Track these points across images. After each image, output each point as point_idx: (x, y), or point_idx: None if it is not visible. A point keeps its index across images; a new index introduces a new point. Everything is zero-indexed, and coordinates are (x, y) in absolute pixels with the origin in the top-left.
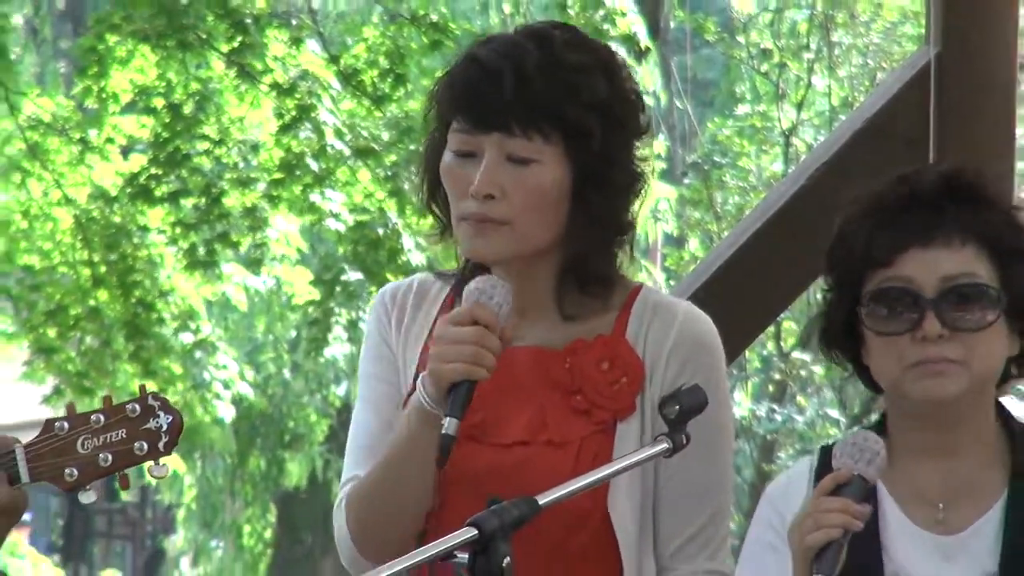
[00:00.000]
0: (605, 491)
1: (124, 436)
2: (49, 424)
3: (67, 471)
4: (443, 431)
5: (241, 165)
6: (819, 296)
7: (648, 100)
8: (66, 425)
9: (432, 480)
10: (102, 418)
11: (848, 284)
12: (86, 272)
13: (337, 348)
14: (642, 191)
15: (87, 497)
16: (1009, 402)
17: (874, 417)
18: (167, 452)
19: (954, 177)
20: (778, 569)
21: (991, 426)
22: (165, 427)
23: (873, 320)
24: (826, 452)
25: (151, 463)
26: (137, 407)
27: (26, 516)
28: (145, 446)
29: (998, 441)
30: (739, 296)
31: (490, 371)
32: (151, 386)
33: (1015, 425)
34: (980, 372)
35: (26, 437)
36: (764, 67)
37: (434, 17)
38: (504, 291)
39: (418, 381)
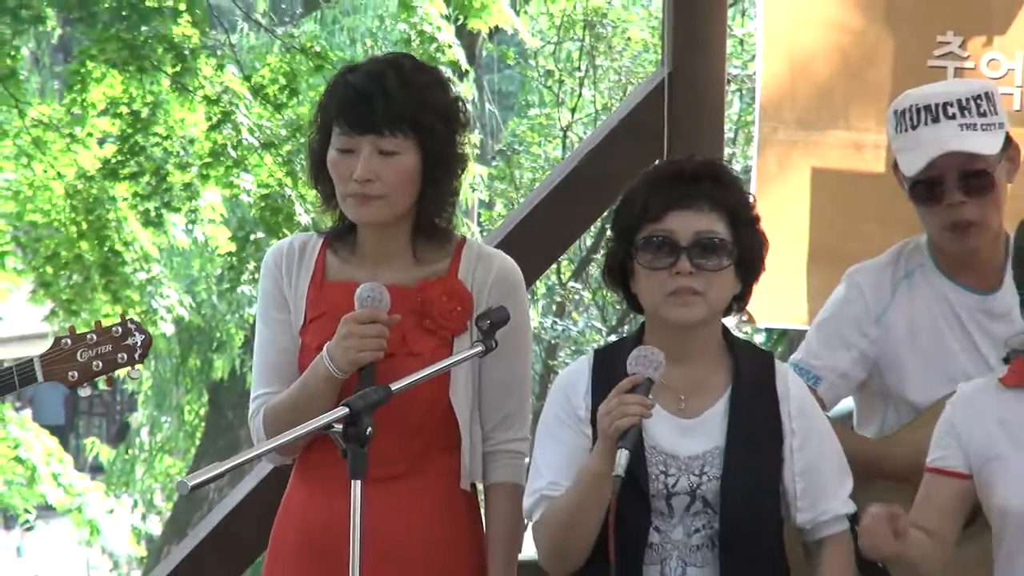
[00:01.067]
0: (447, 384)
1: (110, 349)
2: (57, 340)
3: (70, 374)
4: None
5: (182, 153)
6: (588, 243)
7: (469, 106)
8: (69, 341)
9: (331, 407)
10: (94, 336)
11: (627, 233)
12: (72, 228)
13: (248, 284)
14: (466, 169)
15: (84, 392)
16: (730, 324)
17: (631, 329)
18: (140, 361)
19: (708, 163)
20: (565, 435)
21: (718, 341)
22: (139, 343)
23: (643, 259)
24: (598, 353)
25: (129, 368)
26: (119, 329)
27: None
28: (125, 357)
29: (723, 352)
30: (531, 243)
31: (384, 352)
32: (117, 310)
33: (734, 340)
34: (714, 303)
35: (32, 343)
36: (548, 82)
37: (317, 48)
38: (386, 294)
39: (325, 355)
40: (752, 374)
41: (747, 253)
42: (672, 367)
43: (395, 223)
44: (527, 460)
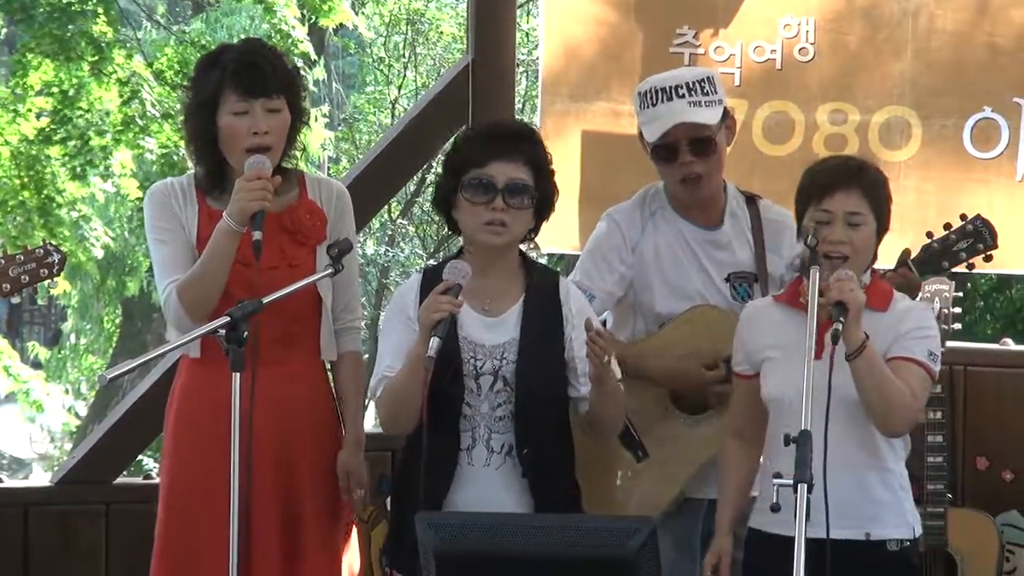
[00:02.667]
0: (316, 292)
1: (34, 266)
2: None
3: (3, 286)
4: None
5: (100, 123)
6: (412, 188)
7: (322, 87)
8: (3, 261)
9: (228, 270)
10: (22, 257)
11: (456, 174)
12: (16, 181)
13: None
14: (309, 120)
15: (15, 299)
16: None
17: (445, 255)
18: (58, 274)
19: (523, 126)
20: (399, 331)
21: (516, 261)
22: (57, 260)
23: (467, 195)
24: (426, 270)
25: (49, 280)
26: (41, 250)
27: None
28: (46, 271)
29: (520, 269)
30: (369, 189)
31: (270, 203)
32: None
33: (529, 261)
34: (516, 233)
35: None
36: (381, 66)
37: (203, 42)
38: (267, 162)
39: (225, 216)
40: (541, 285)
41: (545, 197)
42: (481, 278)
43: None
44: (363, 333)
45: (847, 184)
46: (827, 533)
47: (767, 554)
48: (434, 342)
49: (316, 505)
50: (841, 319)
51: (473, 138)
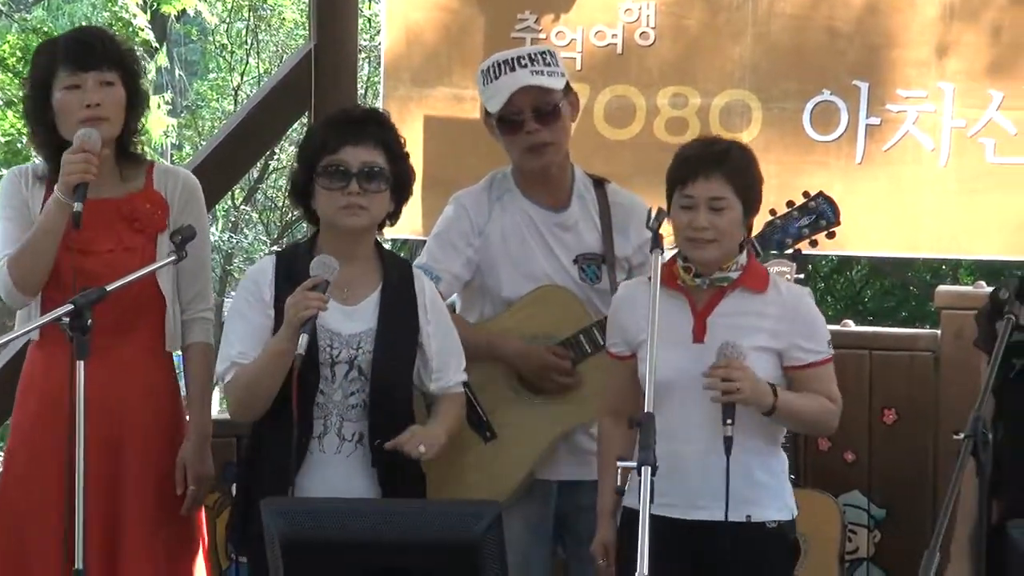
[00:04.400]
0: (155, 274)
1: None
2: None
3: None
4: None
5: None
6: (255, 175)
7: (164, 74)
8: None
9: (57, 244)
10: None
11: (309, 162)
12: None
13: None
14: (148, 108)
15: None
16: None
17: (288, 241)
18: None
19: (373, 111)
20: (253, 315)
21: (372, 248)
22: None
23: (323, 183)
24: (279, 254)
25: None
26: None
27: None
28: None
29: (376, 257)
30: (213, 176)
31: (94, 176)
32: None
33: (382, 249)
34: (374, 217)
35: None
36: (223, 53)
37: (46, 29)
38: (95, 133)
39: (55, 188)
40: (397, 275)
41: (400, 180)
42: (339, 266)
43: (108, 142)
44: (212, 326)
45: (708, 169)
46: (726, 516)
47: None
48: (303, 339)
49: (141, 506)
50: (729, 422)
51: (324, 126)
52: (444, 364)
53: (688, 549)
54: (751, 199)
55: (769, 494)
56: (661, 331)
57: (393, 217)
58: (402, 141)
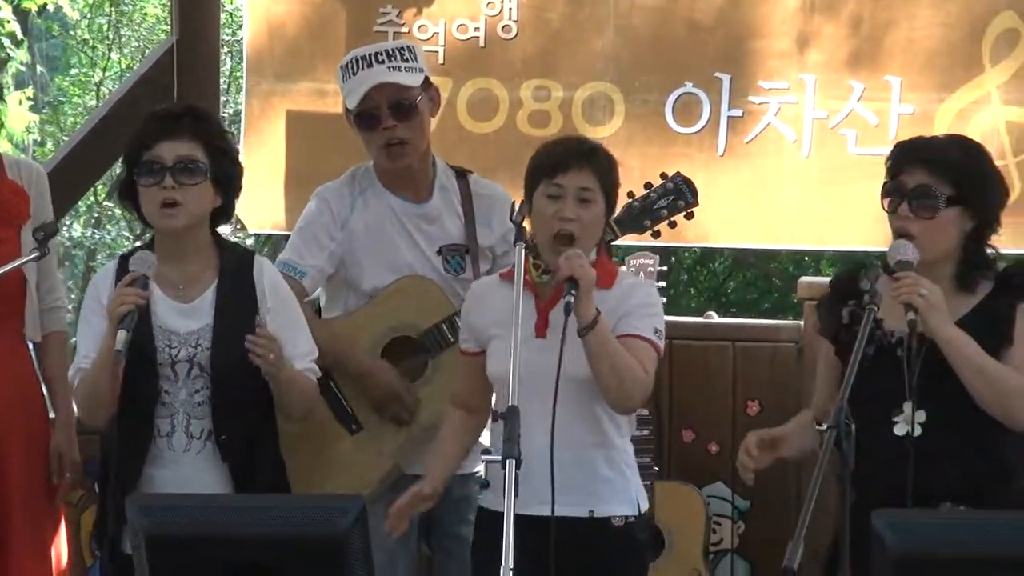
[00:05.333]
0: (22, 273)
1: None
2: None
3: None
4: None
5: None
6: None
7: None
8: None
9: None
10: None
11: (130, 163)
12: None
13: None
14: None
15: None
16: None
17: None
18: None
19: (192, 106)
20: (95, 320)
21: (209, 243)
22: None
23: (141, 180)
24: (121, 257)
25: None
26: None
27: None
28: None
29: (213, 252)
30: (76, 172)
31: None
32: None
33: (223, 243)
34: (194, 212)
35: None
36: (85, 48)
37: None
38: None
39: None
40: (235, 267)
41: (223, 174)
42: (171, 264)
43: None
44: (68, 313)
45: (580, 161)
46: (552, 511)
47: (494, 531)
48: (121, 335)
49: (25, 495)
50: (573, 292)
51: (143, 123)
52: (289, 348)
53: (535, 546)
54: (611, 199)
55: (614, 489)
56: (505, 326)
57: (225, 213)
58: (224, 135)
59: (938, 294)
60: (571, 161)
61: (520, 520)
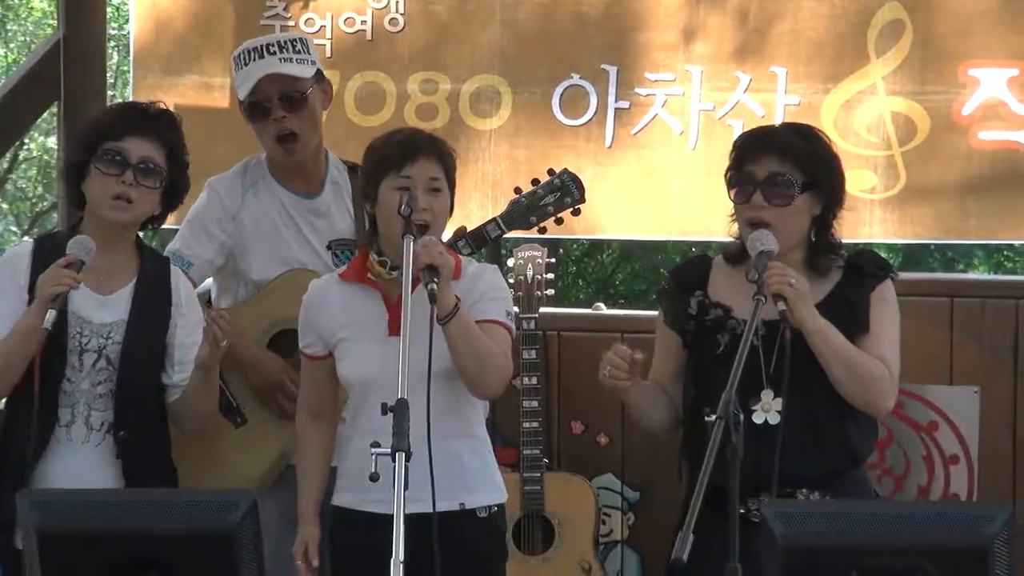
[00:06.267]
0: None
1: None
2: None
3: None
4: None
5: None
6: (6, 165)
7: None
8: None
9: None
10: None
11: (91, 144)
12: None
13: None
14: None
15: None
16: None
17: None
18: None
19: (166, 111)
20: (6, 299)
21: (133, 241)
22: None
23: (100, 166)
24: (37, 240)
25: None
26: None
27: None
28: None
29: (135, 250)
30: None
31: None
32: None
33: (141, 243)
34: (140, 212)
35: None
36: None
37: None
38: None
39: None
40: (154, 268)
41: (174, 185)
42: (98, 255)
43: None
44: None
45: (427, 151)
46: (433, 508)
47: (354, 533)
48: (51, 314)
49: None
50: (435, 280)
51: (115, 111)
52: (188, 359)
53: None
54: (454, 188)
55: (480, 478)
56: (355, 327)
57: (157, 220)
58: (186, 149)
59: (806, 284)
60: (418, 152)
61: (386, 520)
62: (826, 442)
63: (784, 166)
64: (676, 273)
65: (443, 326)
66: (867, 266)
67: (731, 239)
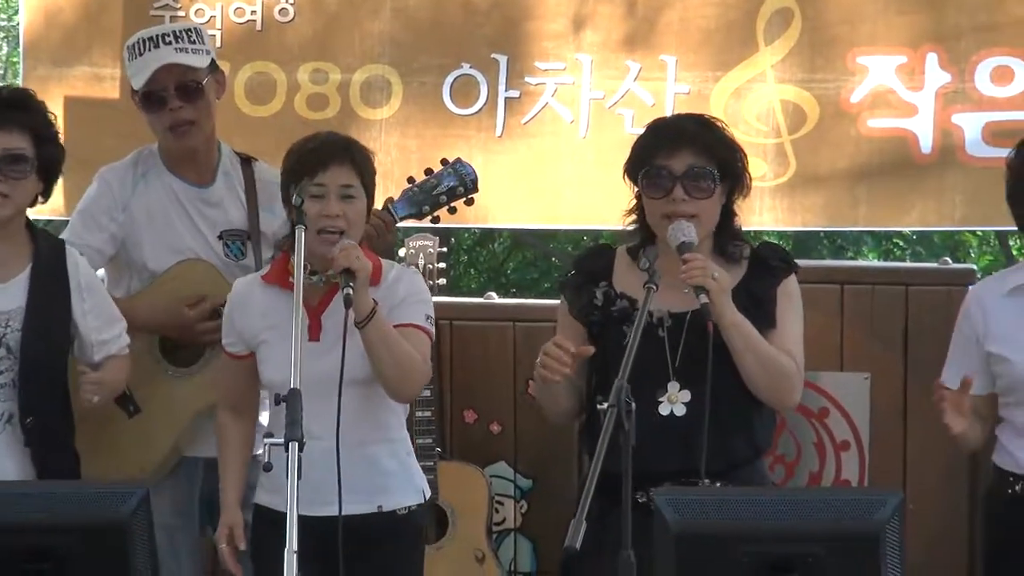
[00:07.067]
0: None
1: None
2: None
3: None
4: None
5: None
6: None
7: None
8: None
9: None
10: None
11: None
12: None
13: None
14: None
15: None
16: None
17: None
18: None
19: (19, 92)
20: None
21: (23, 229)
22: None
23: None
24: None
25: None
26: None
27: None
28: None
29: (27, 237)
30: None
31: None
32: None
33: (35, 229)
34: (19, 202)
35: None
36: None
37: None
38: None
39: None
40: (49, 253)
41: (47, 161)
42: None
43: None
44: None
45: (340, 158)
46: (339, 511)
47: (273, 530)
48: None
49: None
50: (351, 285)
51: None
52: (105, 336)
53: (320, 546)
54: (372, 193)
55: (399, 480)
56: (276, 330)
57: (44, 194)
58: (51, 120)
59: (727, 278)
60: (330, 159)
61: (306, 522)
62: (731, 434)
63: (700, 158)
64: (580, 263)
65: (360, 330)
66: (772, 259)
67: (622, 228)
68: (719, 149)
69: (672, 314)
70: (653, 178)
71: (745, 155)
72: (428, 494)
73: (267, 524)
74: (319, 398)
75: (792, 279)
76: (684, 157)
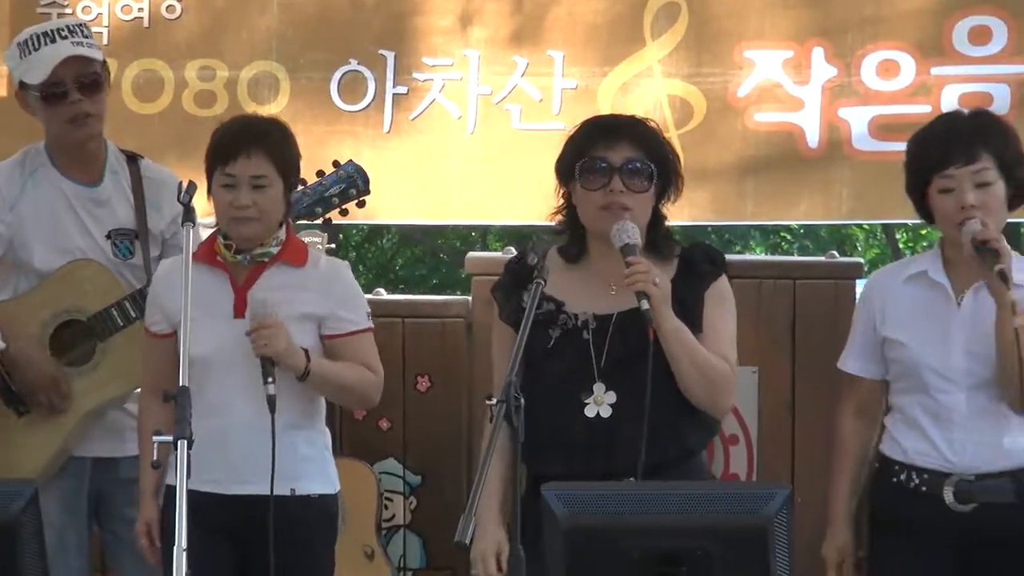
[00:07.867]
0: None
1: None
2: None
3: None
4: None
5: None
6: None
7: None
8: None
9: None
10: None
11: None
12: None
13: None
14: None
15: None
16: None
17: None
18: None
19: None
20: None
21: None
22: None
23: None
24: None
25: None
26: None
27: None
28: None
29: None
30: None
31: None
32: None
33: None
34: None
35: None
36: None
37: None
38: None
39: None
40: None
41: None
42: None
43: None
44: None
45: (249, 147)
46: (271, 490)
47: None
48: None
49: None
50: (271, 380)
51: None
52: None
53: (234, 524)
54: (291, 175)
55: (314, 468)
56: (201, 307)
57: None
58: None
59: (668, 284)
60: (240, 149)
61: (222, 501)
62: (659, 435)
63: (638, 152)
64: (510, 266)
65: (303, 382)
66: (701, 263)
67: (509, 224)
68: (656, 148)
69: (597, 316)
70: (591, 169)
71: (679, 160)
72: (336, 488)
73: (174, 502)
74: (239, 372)
75: (722, 281)
76: (622, 150)
